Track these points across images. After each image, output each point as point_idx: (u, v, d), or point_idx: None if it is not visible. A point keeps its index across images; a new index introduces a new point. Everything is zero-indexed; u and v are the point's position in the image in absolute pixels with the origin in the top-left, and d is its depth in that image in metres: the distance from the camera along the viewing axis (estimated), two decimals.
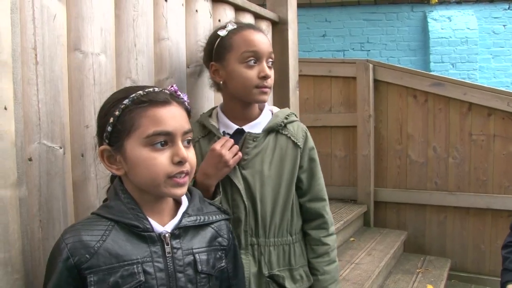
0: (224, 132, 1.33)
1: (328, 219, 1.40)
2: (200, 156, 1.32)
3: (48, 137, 1.06)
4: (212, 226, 1.03)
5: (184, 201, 1.02)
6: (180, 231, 0.96)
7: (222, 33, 1.32)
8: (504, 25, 5.97)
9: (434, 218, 3.64)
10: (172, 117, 0.91)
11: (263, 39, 1.30)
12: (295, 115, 1.41)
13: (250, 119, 1.35)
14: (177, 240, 0.95)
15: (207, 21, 1.63)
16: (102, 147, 0.94)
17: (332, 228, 1.41)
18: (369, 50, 6.21)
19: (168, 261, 0.92)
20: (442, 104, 3.56)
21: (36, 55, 1.03)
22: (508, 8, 5.97)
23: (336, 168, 3.95)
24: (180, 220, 0.96)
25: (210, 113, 1.39)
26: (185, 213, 0.98)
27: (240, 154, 1.26)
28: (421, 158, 3.65)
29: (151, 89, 0.93)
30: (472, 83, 3.74)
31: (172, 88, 0.97)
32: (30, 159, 1.02)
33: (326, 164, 3.96)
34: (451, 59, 5.83)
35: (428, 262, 3.42)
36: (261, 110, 1.38)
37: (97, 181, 1.19)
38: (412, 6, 6.11)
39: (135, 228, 0.91)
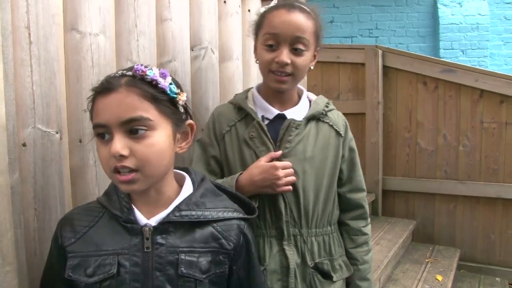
0: (263, 116, 1.26)
1: (367, 210, 1.38)
2: (237, 141, 1.26)
3: (43, 121, 1.01)
4: (214, 225, 0.92)
5: (186, 192, 0.93)
6: (168, 226, 0.87)
7: (262, 9, 1.26)
8: None
9: (443, 207, 3.56)
10: (107, 108, 0.82)
11: (290, 21, 1.17)
12: (332, 103, 1.36)
13: (288, 104, 1.29)
14: (163, 235, 0.87)
15: (211, 1, 1.56)
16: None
17: (369, 218, 1.39)
18: (377, 37, 6.07)
19: (146, 256, 0.85)
20: (452, 91, 3.46)
21: (29, 34, 0.97)
22: None
23: None
24: (168, 215, 0.88)
25: (246, 95, 1.31)
26: (176, 207, 0.89)
27: (290, 188, 1.19)
28: (430, 146, 3.56)
29: (111, 75, 0.87)
30: (484, 69, 3.62)
31: (137, 66, 0.86)
32: (24, 145, 0.97)
33: None
34: (461, 45, 5.69)
35: (437, 252, 3.36)
36: (299, 95, 1.32)
37: (96, 168, 1.13)
38: None
39: (119, 218, 0.87)
